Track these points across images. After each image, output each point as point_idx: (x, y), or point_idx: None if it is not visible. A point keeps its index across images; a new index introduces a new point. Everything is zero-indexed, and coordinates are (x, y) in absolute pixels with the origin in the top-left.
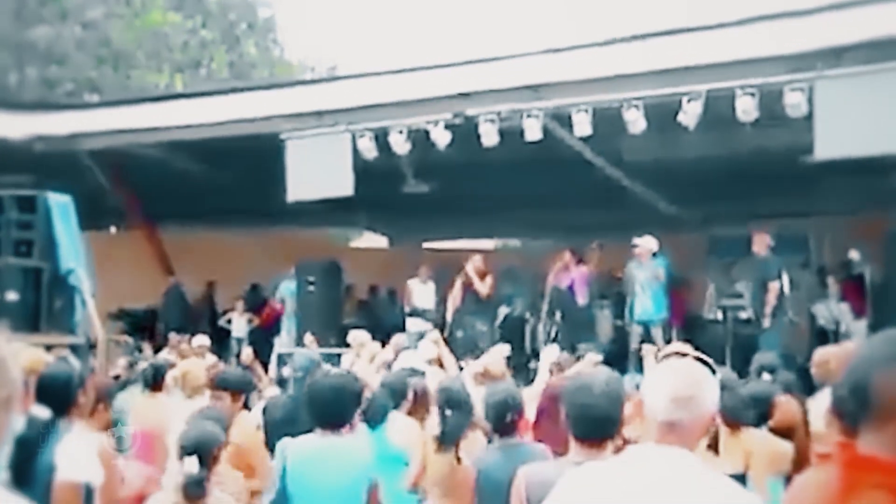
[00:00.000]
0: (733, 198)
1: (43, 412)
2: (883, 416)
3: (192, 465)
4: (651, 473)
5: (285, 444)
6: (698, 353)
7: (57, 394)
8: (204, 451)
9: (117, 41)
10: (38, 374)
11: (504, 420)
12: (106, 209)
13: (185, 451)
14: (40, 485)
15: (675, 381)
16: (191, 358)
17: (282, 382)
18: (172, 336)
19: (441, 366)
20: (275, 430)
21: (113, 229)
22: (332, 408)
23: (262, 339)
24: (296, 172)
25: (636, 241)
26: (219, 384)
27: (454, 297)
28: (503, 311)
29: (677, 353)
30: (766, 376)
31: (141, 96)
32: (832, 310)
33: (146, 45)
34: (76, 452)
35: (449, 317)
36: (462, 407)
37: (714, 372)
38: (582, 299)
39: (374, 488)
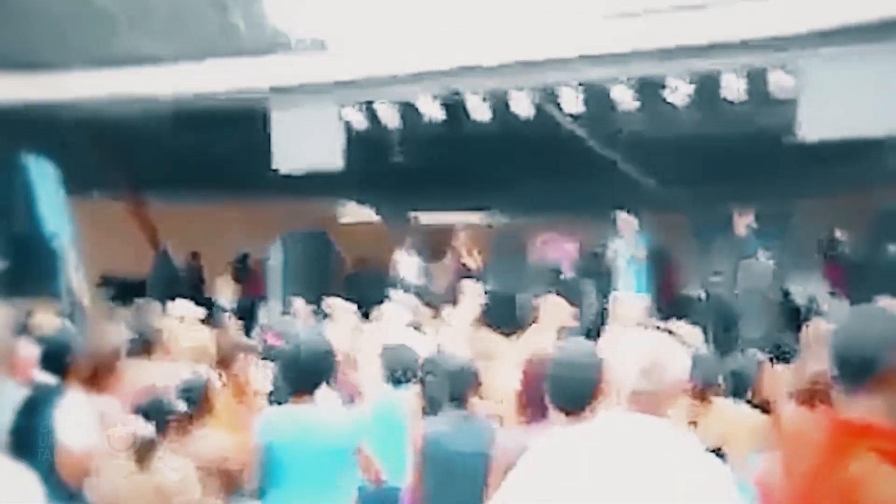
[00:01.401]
0: (718, 178)
1: (47, 378)
2: (877, 385)
3: (143, 427)
4: (618, 439)
5: (263, 415)
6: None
7: (57, 359)
8: (158, 415)
9: (100, 2)
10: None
11: (458, 390)
12: (89, 175)
13: (139, 412)
14: (41, 449)
15: (640, 351)
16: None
17: (268, 352)
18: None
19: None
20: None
21: (96, 194)
22: (305, 373)
23: (250, 308)
24: (283, 144)
25: (620, 215)
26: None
27: (445, 271)
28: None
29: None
30: (749, 352)
31: (124, 60)
32: (809, 288)
33: (130, 9)
34: (74, 417)
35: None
36: (443, 375)
37: (685, 344)
38: (569, 273)
39: (359, 451)
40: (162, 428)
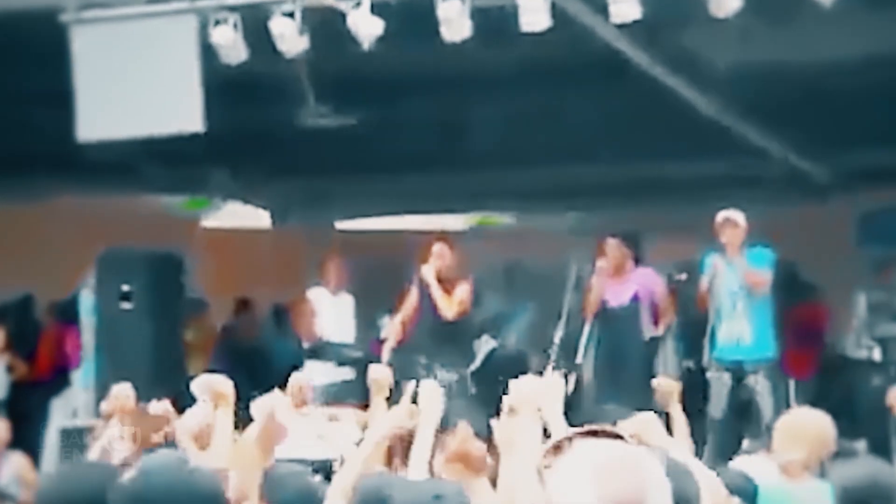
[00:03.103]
0: None
1: None
2: None
3: None
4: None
5: None
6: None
7: None
8: None
9: None
10: None
11: None
12: None
13: None
14: None
15: (610, 483)
16: None
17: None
18: None
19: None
20: None
21: None
22: None
23: (37, 399)
24: (93, 90)
25: (720, 217)
26: None
27: (400, 321)
28: (485, 343)
29: (593, 433)
30: None
31: None
32: None
33: None
34: None
35: (385, 356)
36: None
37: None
38: (651, 327)
39: None
40: None
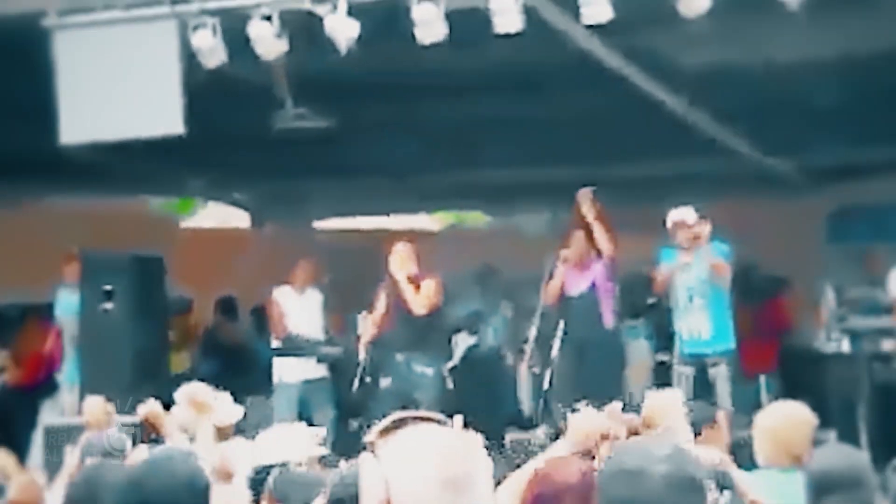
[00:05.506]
0: (870, 137)
1: None
2: None
3: None
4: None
5: None
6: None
7: None
8: None
9: None
10: None
11: None
12: None
13: None
14: None
15: (446, 463)
16: None
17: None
18: None
19: None
20: None
21: None
22: None
23: (27, 402)
24: (74, 92)
25: (674, 213)
26: None
27: (373, 318)
28: (462, 341)
29: (418, 419)
30: None
31: None
32: None
33: None
34: None
35: (361, 353)
36: None
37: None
38: (609, 317)
39: None
40: None
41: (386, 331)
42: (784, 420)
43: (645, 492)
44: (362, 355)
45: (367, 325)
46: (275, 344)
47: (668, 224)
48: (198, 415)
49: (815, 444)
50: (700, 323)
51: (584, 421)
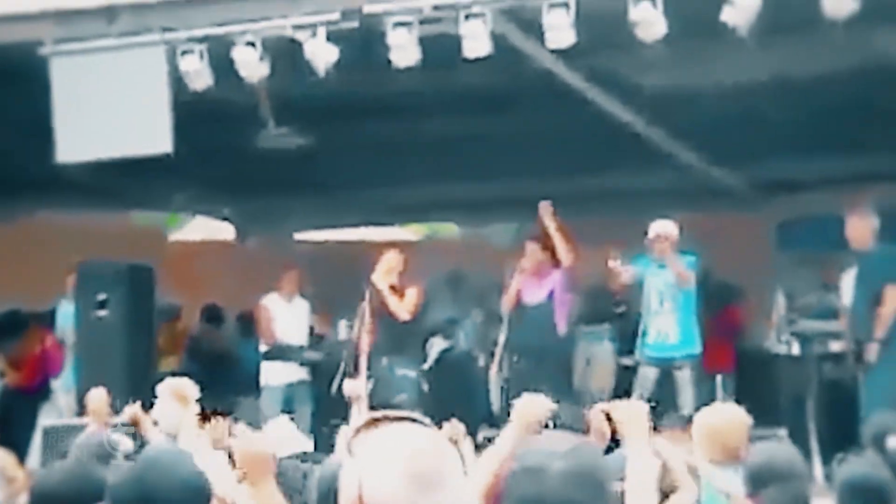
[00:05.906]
0: (814, 152)
1: None
2: None
3: None
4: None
5: None
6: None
7: None
8: None
9: None
10: None
11: None
12: None
13: None
14: None
15: (418, 462)
16: None
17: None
18: None
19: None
20: None
21: None
22: None
23: (23, 406)
24: (69, 114)
25: (653, 226)
26: None
27: (367, 327)
28: (437, 344)
29: (394, 419)
30: (892, 442)
31: None
32: None
33: None
34: None
35: (362, 366)
36: None
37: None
38: (563, 326)
39: None
40: None
41: (374, 338)
42: (721, 419)
43: (545, 489)
44: (363, 367)
45: (363, 334)
46: (263, 348)
47: (651, 234)
48: (181, 407)
49: (755, 441)
50: (668, 326)
51: (528, 405)
